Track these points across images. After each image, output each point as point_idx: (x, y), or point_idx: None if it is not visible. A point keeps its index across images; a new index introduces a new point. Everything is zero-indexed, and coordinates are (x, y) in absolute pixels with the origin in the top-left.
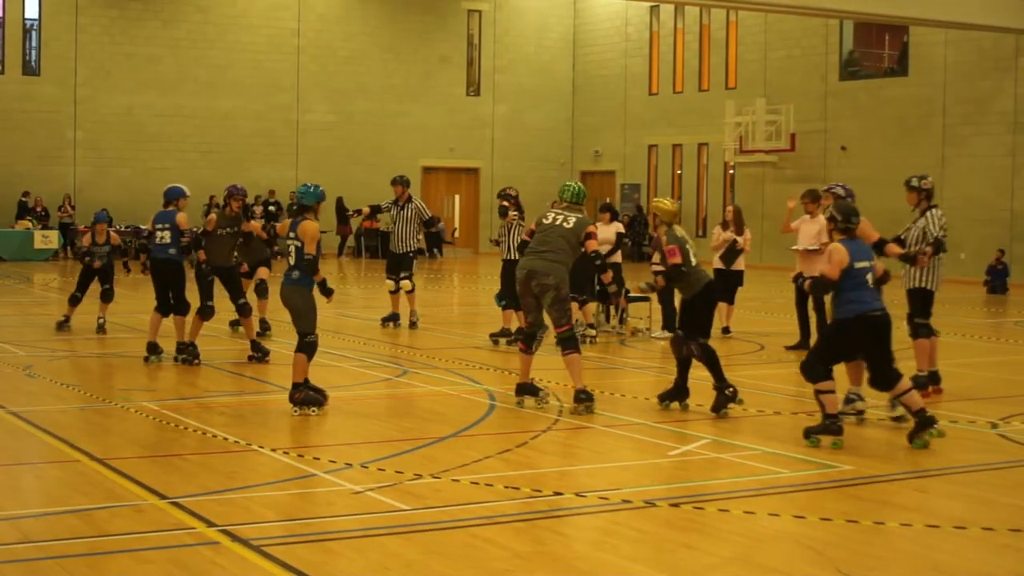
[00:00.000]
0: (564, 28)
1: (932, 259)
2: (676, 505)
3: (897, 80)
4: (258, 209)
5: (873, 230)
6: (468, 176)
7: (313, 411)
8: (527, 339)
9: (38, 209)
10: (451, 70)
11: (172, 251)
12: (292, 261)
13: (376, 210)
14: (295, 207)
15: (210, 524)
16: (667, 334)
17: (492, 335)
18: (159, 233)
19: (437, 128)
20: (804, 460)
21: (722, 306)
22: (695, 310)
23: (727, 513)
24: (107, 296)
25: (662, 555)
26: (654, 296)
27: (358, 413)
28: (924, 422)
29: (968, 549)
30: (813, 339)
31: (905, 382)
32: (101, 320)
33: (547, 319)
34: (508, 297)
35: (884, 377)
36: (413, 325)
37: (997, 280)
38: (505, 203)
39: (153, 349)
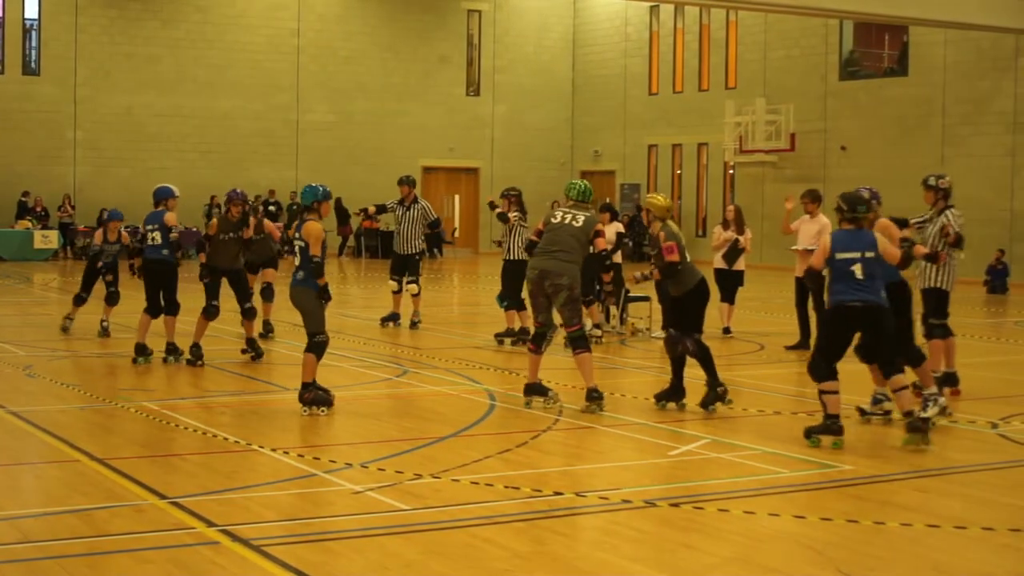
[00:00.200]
0: (564, 28)
1: (947, 259)
2: (676, 505)
3: (897, 80)
4: (259, 209)
5: (897, 230)
6: (468, 176)
7: (322, 411)
8: (537, 339)
9: (38, 209)
10: (451, 70)
11: (165, 252)
12: (297, 261)
13: (382, 210)
14: (294, 206)
15: (210, 524)
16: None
17: (497, 335)
18: (150, 234)
19: (437, 128)
20: (804, 460)
21: (723, 306)
22: (686, 308)
23: (727, 513)
24: (112, 299)
25: (662, 555)
26: (654, 296)
27: (358, 413)
28: (910, 425)
29: (968, 549)
30: (813, 339)
31: (902, 379)
32: (105, 323)
33: (556, 319)
34: (510, 297)
35: (888, 367)
36: (414, 325)
37: (997, 280)
38: (500, 206)
39: (141, 351)
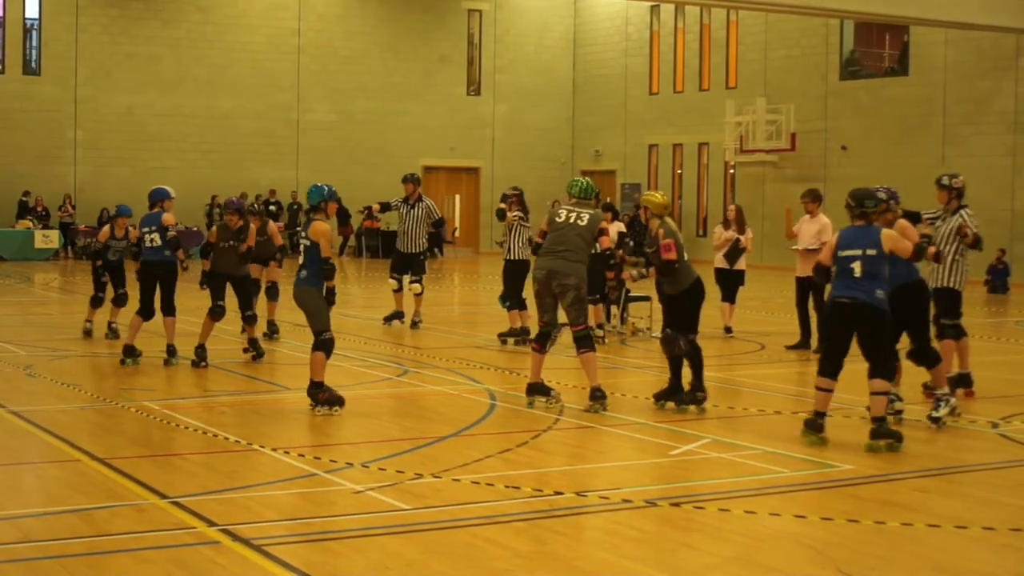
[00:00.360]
0: (564, 28)
1: (959, 258)
2: (677, 505)
3: (897, 80)
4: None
5: (915, 232)
6: (468, 176)
7: (336, 410)
8: (541, 338)
9: (39, 209)
10: (451, 69)
11: (167, 252)
12: (302, 260)
13: (386, 208)
14: (294, 206)
15: (211, 524)
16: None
17: (501, 335)
18: (147, 236)
19: (437, 128)
20: (805, 460)
21: (724, 306)
22: (681, 307)
23: (728, 513)
24: (121, 301)
25: (663, 555)
26: (655, 295)
27: (359, 412)
28: (875, 431)
29: (969, 549)
30: (814, 338)
31: (883, 384)
32: (113, 325)
33: (561, 318)
34: (512, 297)
35: (873, 368)
36: (415, 325)
37: (998, 280)
38: (502, 205)
39: (130, 352)
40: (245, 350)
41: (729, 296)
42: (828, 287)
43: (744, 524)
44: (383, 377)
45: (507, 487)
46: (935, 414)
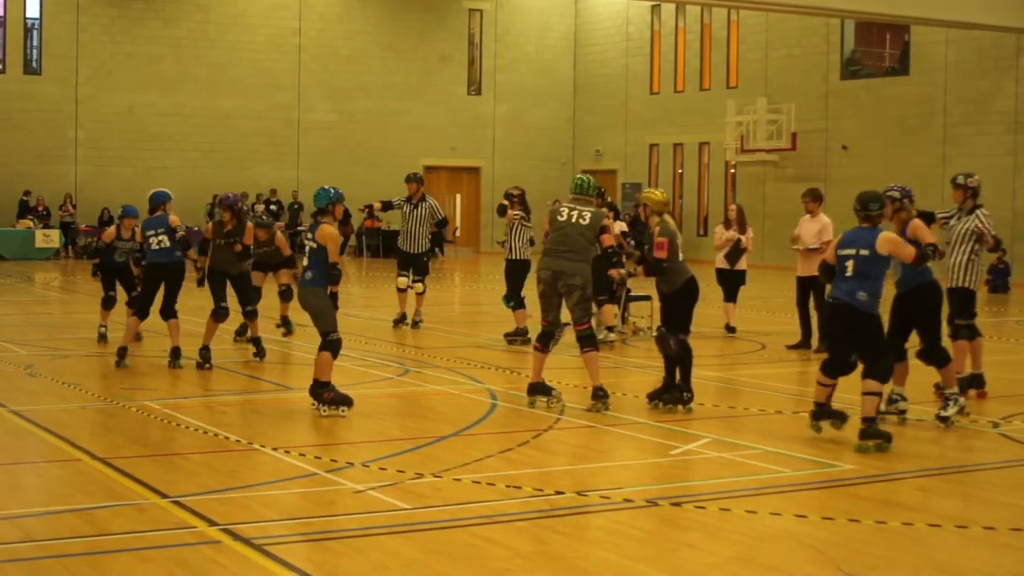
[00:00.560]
0: (565, 27)
1: (974, 258)
2: (678, 504)
3: (898, 79)
4: (259, 207)
5: (927, 232)
6: (469, 175)
7: (343, 410)
8: (544, 338)
9: (39, 208)
10: (452, 69)
11: (177, 253)
12: (306, 262)
13: (388, 207)
14: (295, 206)
15: (211, 523)
16: None
17: (507, 335)
18: (152, 239)
19: (438, 127)
20: (806, 459)
21: (726, 305)
22: (674, 306)
23: (729, 512)
24: (134, 303)
25: (663, 554)
26: (655, 295)
27: (360, 412)
28: (864, 431)
29: (969, 548)
30: (814, 338)
31: (875, 385)
32: (103, 329)
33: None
34: (515, 297)
35: (867, 368)
36: (415, 325)
37: (999, 279)
38: (504, 201)
39: (124, 353)
40: (255, 354)
41: (731, 296)
42: (829, 287)
43: (745, 524)
44: (384, 377)
45: (508, 487)
46: (943, 413)
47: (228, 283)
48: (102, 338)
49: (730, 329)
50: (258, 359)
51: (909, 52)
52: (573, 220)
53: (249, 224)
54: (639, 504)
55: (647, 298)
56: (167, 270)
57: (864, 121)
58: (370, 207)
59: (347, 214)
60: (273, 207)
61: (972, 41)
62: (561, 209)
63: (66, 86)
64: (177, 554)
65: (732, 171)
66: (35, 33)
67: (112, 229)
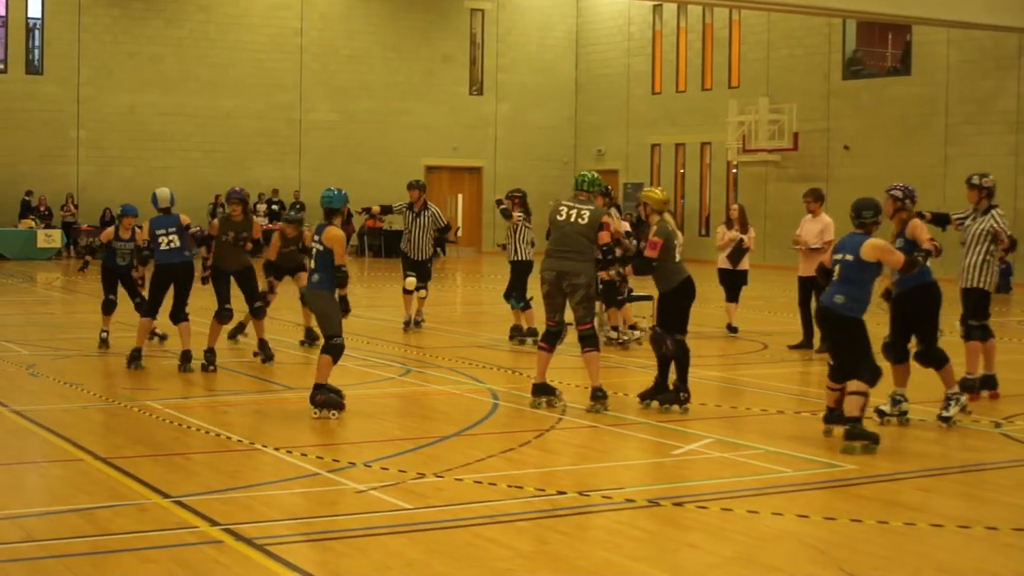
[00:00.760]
0: (567, 27)
1: (989, 258)
2: (679, 504)
3: (900, 79)
4: (262, 207)
5: (926, 235)
6: (471, 175)
7: (333, 414)
8: (550, 338)
9: (41, 208)
10: (454, 69)
11: (187, 253)
12: (314, 264)
13: (387, 211)
14: (296, 205)
15: (213, 523)
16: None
17: (514, 331)
18: (163, 239)
19: (440, 127)
20: (808, 459)
21: (728, 305)
22: (670, 306)
23: (730, 512)
24: (141, 309)
25: (665, 554)
26: (656, 295)
27: (361, 412)
28: (849, 432)
29: (972, 548)
30: (816, 338)
31: (859, 385)
32: (104, 334)
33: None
34: (519, 297)
35: (854, 369)
36: (417, 325)
37: (1001, 279)
38: (506, 204)
39: (138, 355)
40: (255, 353)
41: (733, 296)
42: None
43: (746, 524)
44: (386, 377)
45: (510, 487)
46: (945, 413)
47: (233, 283)
48: (103, 343)
49: (732, 329)
50: (269, 363)
51: (911, 52)
52: (572, 219)
53: (255, 219)
54: (641, 504)
55: (648, 298)
56: (177, 270)
57: (866, 121)
58: (368, 209)
59: (348, 214)
60: (275, 207)
61: (974, 41)
62: (560, 208)
63: (68, 86)
64: (179, 554)
65: (734, 171)
66: (37, 33)
67: (110, 230)
